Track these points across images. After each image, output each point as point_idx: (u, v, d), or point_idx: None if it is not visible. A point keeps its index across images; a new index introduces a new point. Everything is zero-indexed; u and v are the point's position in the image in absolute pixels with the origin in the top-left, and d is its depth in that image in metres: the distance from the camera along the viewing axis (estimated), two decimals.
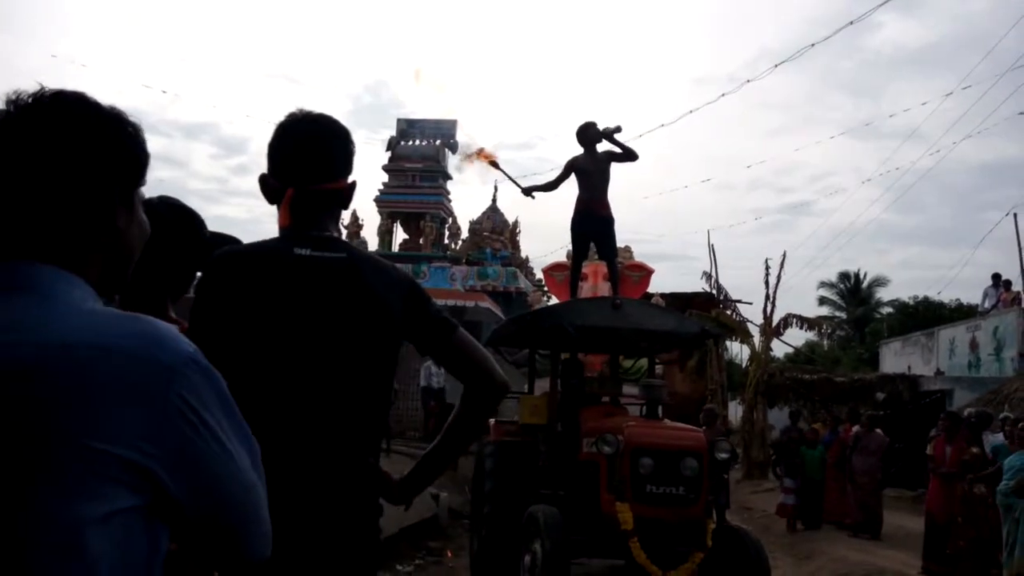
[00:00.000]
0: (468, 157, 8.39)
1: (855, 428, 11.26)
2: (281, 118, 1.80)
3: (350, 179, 1.82)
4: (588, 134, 7.66)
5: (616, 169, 7.78)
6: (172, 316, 1.81)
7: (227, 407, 0.97)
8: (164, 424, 0.88)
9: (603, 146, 7.76)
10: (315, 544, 1.58)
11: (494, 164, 7.96)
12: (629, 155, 7.73)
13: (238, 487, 0.96)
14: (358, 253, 1.75)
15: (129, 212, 1.04)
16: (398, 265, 1.98)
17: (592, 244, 8.11)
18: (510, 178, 8.20)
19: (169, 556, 0.95)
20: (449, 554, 8.37)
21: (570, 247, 8.73)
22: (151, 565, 0.91)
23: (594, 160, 7.67)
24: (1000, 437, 8.72)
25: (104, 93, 1.03)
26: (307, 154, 1.75)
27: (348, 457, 1.64)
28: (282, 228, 1.76)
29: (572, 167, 7.75)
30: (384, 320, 1.68)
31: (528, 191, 8.12)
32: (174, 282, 1.84)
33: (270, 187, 1.77)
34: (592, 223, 7.76)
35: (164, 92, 33.06)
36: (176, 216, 1.81)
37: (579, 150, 7.77)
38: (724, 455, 6.11)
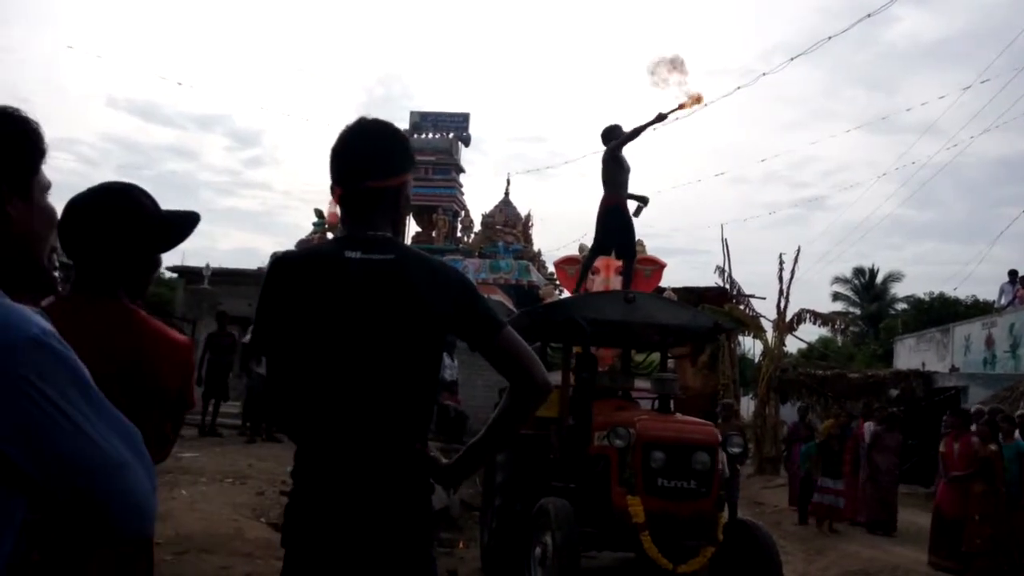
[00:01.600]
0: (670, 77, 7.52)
1: (867, 424, 11.21)
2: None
3: (402, 179, 1.88)
4: (612, 135, 7.78)
5: (629, 162, 7.87)
6: (126, 303, 1.78)
7: (82, 387, 1.00)
8: (7, 402, 0.92)
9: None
10: (374, 521, 1.70)
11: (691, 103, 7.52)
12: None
13: (96, 463, 0.98)
14: (408, 252, 1.82)
15: (24, 200, 1.10)
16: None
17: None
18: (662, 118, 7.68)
19: (31, 525, 1.00)
20: (461, 545, 8.40)
21: (583, 241, 8.70)
22: (3, 531, 0.95)
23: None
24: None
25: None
26: (351, 153, 1.86)
27: (396, 444, 1.75)
28: (342, 226, 1.89)
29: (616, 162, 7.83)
30: (428, 317, 1.76)
31: (661, 117, 7.68)
32: (124, 268, 1.79)
33: (333, 191, 1.87)
34: (621, 218, 7.85)
35: (179, 84, 33.23)
36: (104, 202, 1.79)
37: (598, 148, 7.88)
38: (736, 449, 6.10)
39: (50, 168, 1.18)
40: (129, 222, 1.77)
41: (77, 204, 1.78)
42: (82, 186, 1.84)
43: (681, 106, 7.49)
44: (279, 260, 1.85)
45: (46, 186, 1.17)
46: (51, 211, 1.17)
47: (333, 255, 1.80)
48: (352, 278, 1.76)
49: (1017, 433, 8.54)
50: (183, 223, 1.87)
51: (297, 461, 1.81)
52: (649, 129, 7.70)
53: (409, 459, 1.77)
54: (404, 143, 1.92)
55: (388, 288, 1.76)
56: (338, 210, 1.90)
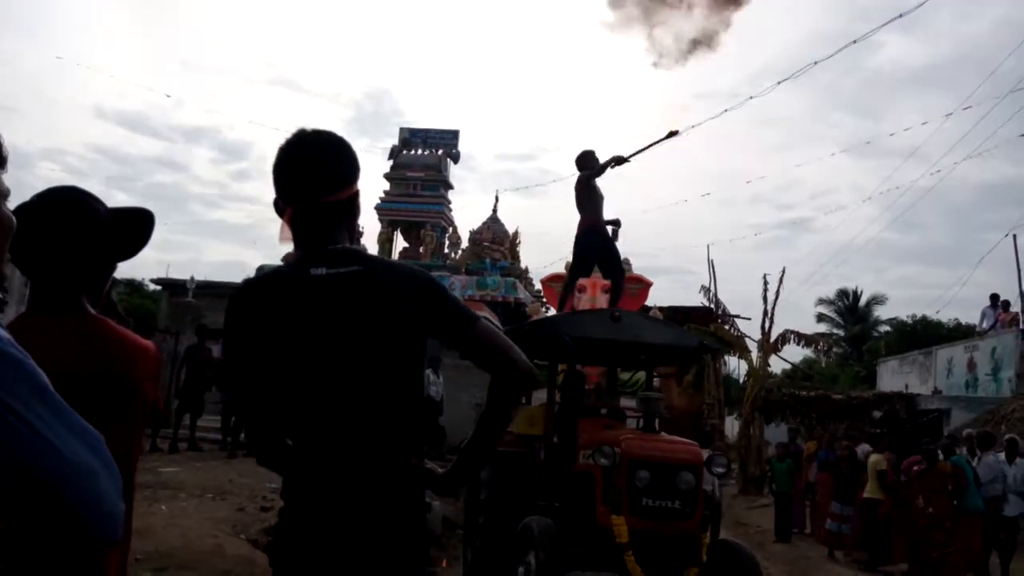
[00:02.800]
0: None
1: (861, 447, 11.14)
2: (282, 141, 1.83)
3: (353, 189, 1.83)
4: (587, 161, 8.12)
5: (617, 183, 8.16)
6: (92, 314, 1.69)
7: (42, 394, 0.98)
8: None
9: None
10: (367, 542, 1.66)
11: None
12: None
13: (58, 469, 0.97)
14: (373, 262, 1.78)
15: None
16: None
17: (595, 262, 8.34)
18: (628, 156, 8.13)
19: None
20: (443, 564, 8.32)
21: (569, 259, 8.85)
22: None
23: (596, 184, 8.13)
24: (1001, 456, 8.79)
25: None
26: (302, 170, 1.78)
27: (388, 460, 1.71)
28: (295, 245, 1.81)
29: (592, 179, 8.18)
30: (402, 325, 1.73)
31: (621, 159, 8.12)
32: (82, 277, 1.70)
33: (279, 209, 1.81)
34: (598, 238, 8.14)
35: (168, 96, 33.10)
36: (52, 207, 1.68)
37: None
38: (720, 470, 6.10)
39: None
40: (82, 228, 1.67)
41: (23, 215, 1.61)
42: None
43: (645, 147, 7.98)
44: (242, 288, 1.79)
45: (4, 194, 1.14)
46: (8, 220, 1.13)
47: (298, 275, 1.75)
48: (321, 296, 1.71)
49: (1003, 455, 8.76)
50: (138, 224, 1.77)
51: (286, 484, 1.76)
52: (609, 168, 8.15)
53: (403, 476, 1.73)
54: (350, 152, 1.85)
55: (359, 301, 1.71)
56: (287, 231, 1.81)
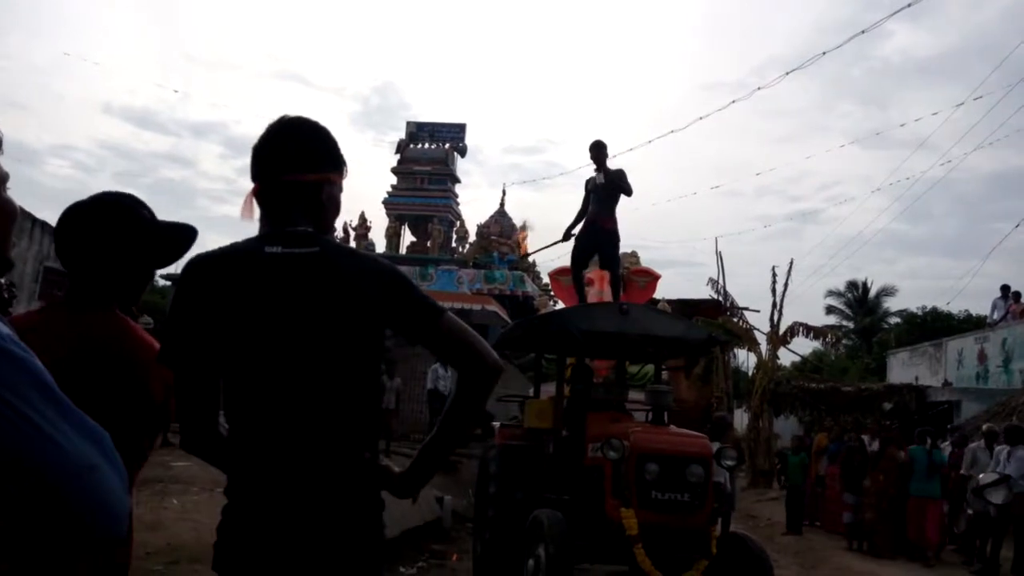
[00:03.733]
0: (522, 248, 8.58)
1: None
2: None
3: (322, 175, 1.75)
4: (597, 152, 8.12)
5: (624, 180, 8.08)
6: (119, 315, 1.75)
7: (44, 390, 0.98)
8: None
9: (613, 162, 8.19)
10: (316, 542, 1.55)
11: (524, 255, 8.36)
12: (627, 192, 8.16)
13: (62, 466, 0.97)
14: (333, 246, 1.70)
15: None
16: (401, 266, 1.95)
17: (596, 255, 8.38)
18: (550, 245, 8.50)
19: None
20: (453, 557, 8.36)
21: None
22: None
23: (604, 177, 8.09)
24: (1005, 448, 8.78)
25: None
26: (273, 147, 1.74)
27: (340, 453, 1.60)
28: (260, 226, 1.75)
29: (587, 188, 8.26)
30: (360, 311, 1.63)
31: (568, 234, 8.41)
32: (119, 280, 1.77)
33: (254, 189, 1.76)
34: (597, 236, 8.13)
35: (176, 91, 33.19)
36: (102, 213, 1.75)
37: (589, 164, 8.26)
38: (730, 462, 6.09)
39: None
40: (127, 234, 1.74)
41: (74, 214, 1.75)
42: (79, 192, 1.83)
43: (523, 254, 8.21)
44: (192, 261, 1.68)
45: (3, 177, 1.14)
46: (10, 206, 1.14)
47: (252, 251, 1.66)
48: (274, 274, 1.62)
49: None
50: (181, 237, 1.84)
51: (230, 479, 1.64)
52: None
53: (356, 471, 1.61)
54: (327, 141, 1.79)
55: (314, 282, 1.62)
56: (248, 207, 1.76)
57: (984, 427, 10.03)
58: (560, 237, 8.53)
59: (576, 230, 8.30)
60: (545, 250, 7.95)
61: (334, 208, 1.80)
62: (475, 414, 1.73)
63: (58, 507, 0.97)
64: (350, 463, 1.60)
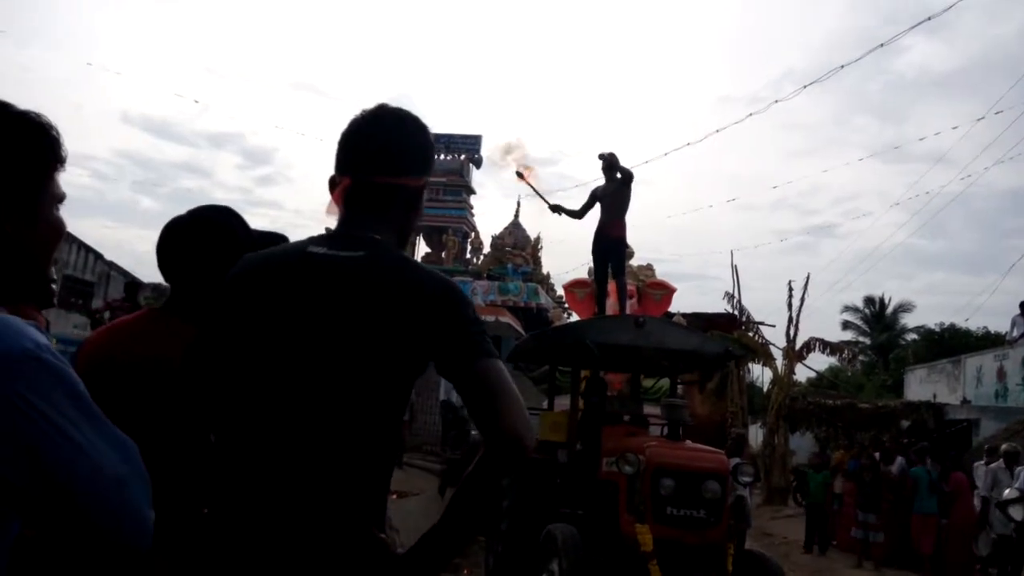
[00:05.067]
0: (507, 157, 8.30)
1: (899, 460, 11.14)
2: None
3: (420, 181, 1.57)
4: (605, 161, 8.17)
5: (640, 188, 8.11)
6: None
7: (79, 402, 0.98)
8: None
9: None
10: None
11: (520, 176, 8.09)
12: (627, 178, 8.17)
13: (91, 477, 0.96)
14: (384, 252, 1.45)
15: (28, 215, 1.06)
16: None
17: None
18: (538, 193, 8.37)
19: (25, 541, 0.98)
20: (466, 571, 8.29)
21: (591, 265, 8.99)
22: None
23: (612, 185, 8.16)
24: None
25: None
26: (371, 141, 1.53)
27: (337, 521, 1.31)
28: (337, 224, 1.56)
29: (594, 196, 8.34)
30: (394, 331, 1.36)
31: (555, 208, 8.30)
32: (216, 285, 1.84)
33: (332, 184, 1.55)
34: (604, 243, 8.21)
35: (196, 102, 33.56)
36: (199, 224, 1.87)
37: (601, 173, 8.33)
38: (747, 479, 6.02)
39: (65, 184, 1.13)
40: (221, 246, 1.81)
41: (175, 229, 1.87)
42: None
43: (519, 175, 8.02)
44: (240, 263, 1.51)
45: (59, 198, 1.13)
46: (59, 225, 1.13)
47: (297, 251, 1.47)
48: (308, 278, 1.41)
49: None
50: (272, 245, 1.89)
51: (208, 495, 1.44)
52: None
53: (354, 548, 1.30)
54: (429, 141, 1.60)
55: (346, 292, 1.38)
56: (334, 205, 1.56)
57: (1003, 447, 9.90)
58: (547, 201, 8.44)
59: (563, 216, 8.31)
60: (538, 194, 7.63)
61: (419, 212, 1.63)
62: (490, 494, 1.36)
63: (86, 519, 0.97)
64: (349, 536, 1.31)
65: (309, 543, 1.29)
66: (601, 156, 8.18)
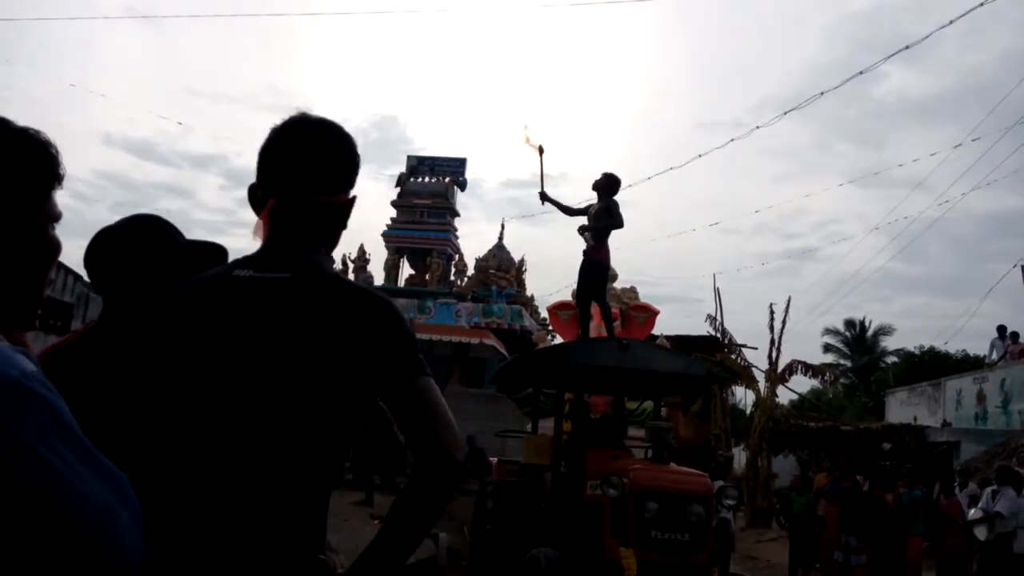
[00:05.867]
0: (527, 130, 8.48)
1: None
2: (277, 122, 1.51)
3: (351, 194, 1.51)
4: (598, 184, 8.22)
5: (623, 212, 8.17)
6: None
7: (64, 432, 0.96)
8: None
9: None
10: None
11: (541, 150, 8.31)
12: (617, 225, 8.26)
13: (77, 511, 0.94)
14: (312, 271, 1.39)
15: (19, 236, 1.04)
16: (400, 299, 1.62)
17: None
18: (542, 176, 8.52)
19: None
20: None
21: (575, 287, 9.02)
22: None
23: (596, 209, 8.21)
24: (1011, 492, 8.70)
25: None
26: (300, 158, 1.45)
27: (277, 547, 1.27)
28: (262, 245, 1.49)
29: (583, 212, 8.37)
30: (326, 352, 1.31)
31: (544, 196, 8.40)
32: (152, 295, 1.72)
33: (257, 199, 1.48)
34: (586, 266, 8.18)
35: (179, 124, 33.46)
36: (136, 232, 1.76)
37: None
38: (731, 502, 6.02)
39: None
40: (161, 255, 1.75)
41: (106, 237, 1.76)
42: (76, 223, 1.81)
43: (541, 150, 8.32)
44: (165, 293, 1.45)
45: (55, 217, 1.10)
46: (54, 245, 1.10)
47: (222, 275, 1.41)
48: (232, 304, 1.35)
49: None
50: (211, 256, 1.81)
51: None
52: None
53: (294, 571, 1.28)
54: (356, 151, 1.52)
55: (274, 315, 1.32)
56: (262, 227, 1.48)
57: (997, 465, 10.02)
58: (543, 189, 8.52)
59: (548, 205, 8.41)
60: (541, 177, 7.88)
61: (347, 223, 1.56)
62: (428, 517, 1.32)
63: (72, 553, 0.95)
64: (282, 558, 1.27)
65: (249, 569, 1.26)
66: (603, 177, 8.27)
